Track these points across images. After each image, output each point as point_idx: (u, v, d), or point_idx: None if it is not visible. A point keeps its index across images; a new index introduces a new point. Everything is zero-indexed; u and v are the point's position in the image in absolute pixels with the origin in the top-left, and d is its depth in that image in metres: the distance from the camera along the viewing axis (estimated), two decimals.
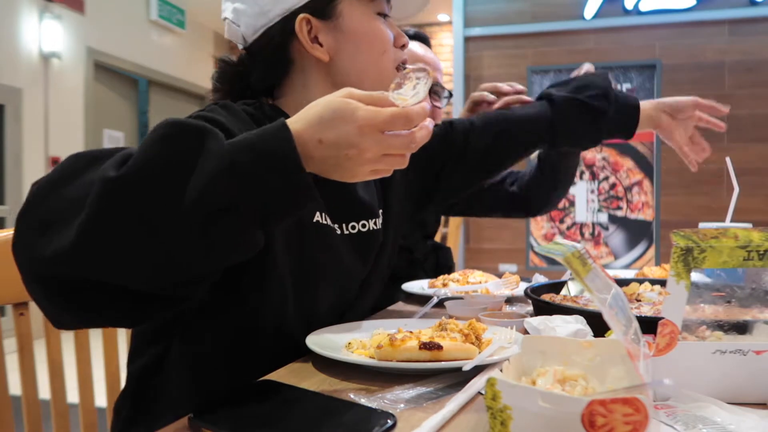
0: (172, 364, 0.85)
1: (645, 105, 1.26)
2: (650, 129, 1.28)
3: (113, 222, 0.57)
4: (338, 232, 0.94)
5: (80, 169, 0.61)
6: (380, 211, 1.04)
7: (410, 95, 0.64)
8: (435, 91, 1.52)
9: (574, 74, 1.32)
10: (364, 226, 0.98)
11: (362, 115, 0.61)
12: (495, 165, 1.22)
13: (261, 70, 0.94)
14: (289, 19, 0.89)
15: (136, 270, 0.59)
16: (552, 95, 1.22)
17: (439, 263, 1.64)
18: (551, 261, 3.97)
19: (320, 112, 0.63)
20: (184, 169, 0.58)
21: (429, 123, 0.65)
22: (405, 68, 0.77)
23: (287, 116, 0.69)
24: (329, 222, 0.92)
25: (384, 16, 0.93)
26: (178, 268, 0.60)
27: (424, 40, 1.60)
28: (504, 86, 1.38)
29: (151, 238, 0.57)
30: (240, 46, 0.97)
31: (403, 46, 0.94)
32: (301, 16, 0.88)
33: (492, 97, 1.39)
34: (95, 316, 0.65)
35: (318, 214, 0.90)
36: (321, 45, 0.90)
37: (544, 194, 1.55)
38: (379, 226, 1.02)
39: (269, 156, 0.60)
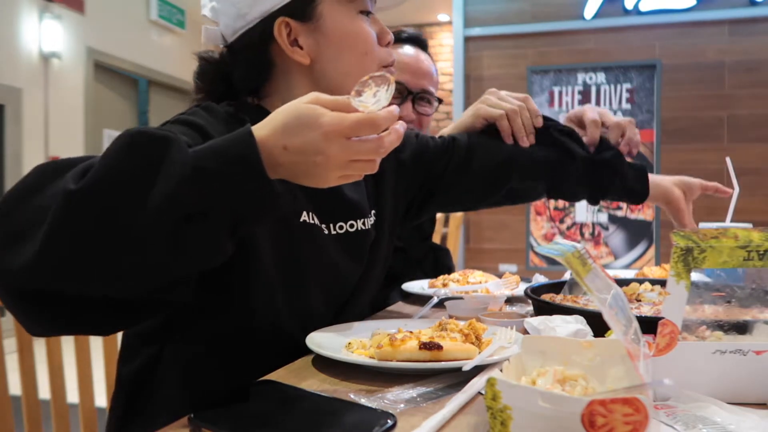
0: (166, 365, 0.85)
1: (660, 178, 1.28)
2: (661, 202, 1.29)
3: (75, 234, 0.57)
4: (326, 232, 0.94)
5: (44, 181, 0.61)
6: (372, 211, 1.04)
7: (371, 102, 0.63)
8: (424, 97, 1.49)
9: (570, 115, 1.29)
10: (352, 226, 0.97)
11: (327, 121, 0.61)
12: (491, 192, 1.20)
13: (243, 70, 0.93)
14: (267, 22, 0.87)
15: (103, 279, 0.60)
16: (573, 152, 1.19)
17: (438, 264, 1.64)
18: (551, 261, 3.97)
19: (285, 118, 0.63)
20: (146, 178, 0.58)
21: (400, 126, 0.64)
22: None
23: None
24: (317, 222, 0.92)
25: (367, 13, 0.91)
26: (145, 276, 0.61)
27: (421, 43, 1.56)
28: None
29: (114, 247, 0.58)
30: (220, 45, 0.95)
31: (389, 44, 0.92)
32: (280, 19, 0.87)
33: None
34: (70, 326, 0.66)
35: (305, 213, 0.90)
36: (301, 48, 0.88)
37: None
38: (368, 226, 1.01)
39: (232, 162, 0.60)
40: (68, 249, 0.57)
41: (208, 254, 0.63)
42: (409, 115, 1.45)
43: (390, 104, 1.52)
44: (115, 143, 0.60)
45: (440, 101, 1.55)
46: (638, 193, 1.23)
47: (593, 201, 1.27)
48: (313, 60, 0.89)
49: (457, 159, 1.15)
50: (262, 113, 0.88)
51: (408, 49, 1.51)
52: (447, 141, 1.18)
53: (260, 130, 0.63)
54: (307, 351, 0.79)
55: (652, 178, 1.26)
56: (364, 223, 1.00)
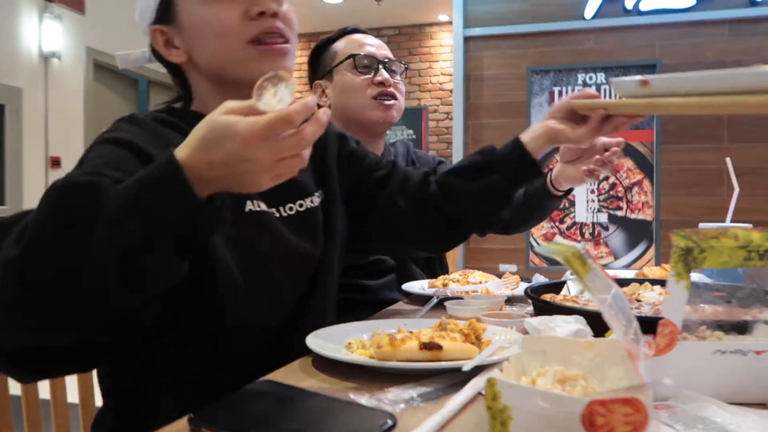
0: (154, 375, 0.85)
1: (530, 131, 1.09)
2: (547, 142, 1.06)
3: (31, 298, 0.59)
4: (277, 215, 0.95)
5: None
6: (319, 191, 1.04)
7: (275, 102, 0.63)
8: (388, 67, 1.57)
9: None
10: (301, 205, 0.99)
11: (242, 128, 0.61)
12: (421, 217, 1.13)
13: (171, 77, 0.99)
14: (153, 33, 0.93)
15: (74, 332, 0.63)
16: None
17: (430, 255, 1.65)
18: (551, 261, 3.98)
19: (203, 134, 0.63)
20: (84, 228, 0.60)
21: (322, 114, 0.64)
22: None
23: (199, 115, 0.73)
24: (264, 207, 0.93)
25: None
26: (112, 317, 0.64)
27: (361, 30, 1.67)
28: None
29: (73, 301, 0.60)
30: (140, 64, 1.01)
31: (262, 14, 0.88)
32: (154, 27, 0.92)
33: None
34: (50, 373, 0.70)
35: (249, 202, 0.90)
36: (178, 48, 0.92)
37: (516, 221, 1.57)
38: (317, 203, 1.02)
39: (161, 192, 0.62)
40: (29, 313, 0.60)
41: (165, 280, 0.65)
42: (388, 80, 1.55)
43: (360, 76, 1.48)
44: (45, 199, 0.62)
45: (407, 67, 1.68)
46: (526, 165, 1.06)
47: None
48: (189, 56, 0.91)
49: (386, 174, 1.13)
50: (188, 115, 0.91)
51: (359, 34, 1.64)
52: (387, 160, 1.17)
53: (182, 151, 0.64)
54: (290, 342, 0.80)
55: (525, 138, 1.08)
56: (312, 201, 1.01)
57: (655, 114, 0.98)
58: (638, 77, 0.90)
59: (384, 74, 1.56)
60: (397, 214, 1.10)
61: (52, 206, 0.61)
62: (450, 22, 6.24)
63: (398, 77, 1.61)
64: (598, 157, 1.33)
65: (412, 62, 6.93)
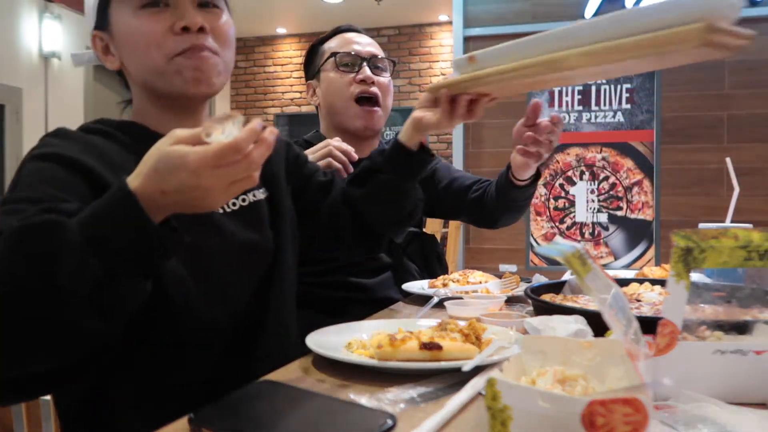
0: (118, 388, 0.85)
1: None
2: (415, 131, 1.09)
3: (7, 340, 0.63)
4: (221, 211, 0.95)
5: None
6: (263, 188, 1.05)
7: (223, 138, 0.64)
8: (373, 64, 1.55)
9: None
10: (244, 200, 0.99)
11: (192, 159, 0.62)
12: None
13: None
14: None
15: (54, 361, 0.68)
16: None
17: (425, 249, 1.64)
18: (551, 261, 3.98)
19: (154, 163, 0.65)
20: (47, 269, 0.61)
21: (269, 135, 0.65)
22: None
23: (129, 123, 0.80)
24: None
25: (157, 4, 0.88)
26: (88, 342, 0.68)
27: (353, 29, 1.65)
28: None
29: (48, 337, 0.63)
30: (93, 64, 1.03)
31: (185, 29, 0.88)
32: (93, 33, 0.94)
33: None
34: (27, 397, 0.77)
35: None
36: (114, 55, 0.94)
37: (497, 213, 1.59)
38: (261, 196, 1.03)
39: (117, 222, 0.64)
40: (7, 353, 0.64)
41: (133, 303, 0.69)
42: (369, 77, 1.52)
43: (342, 75, 1.45)
44: (5, 244, 0.63)
45: (394, 63, 1.64)
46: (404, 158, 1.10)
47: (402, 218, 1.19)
48: (121, 63, 0.94)
49: (327, 182, 1.17)
50: (125, 125, 0.93)
51: (348, 33, 1.62)
52: (327, 174, 1.20)
53: (135, 180, 0.65)
54: (253, 341, 0.79)
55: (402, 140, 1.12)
56: (254, 195, 1.02)
57: (480, 90, 0.91)
58: (468, 54, 0.93)
59: (366, 72, 1.53)
60: (337, 220, 1.15)
61: (13, 252, 0.63)
62: (450, 22, 6.24)
63: (386, 75, 1.58)
64: (528, 134, 1.32)
65: (412, 62, 6.93)
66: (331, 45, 1.60)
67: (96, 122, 0.95)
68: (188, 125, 0.74)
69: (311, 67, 1.65)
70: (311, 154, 1.31)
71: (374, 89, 1.53)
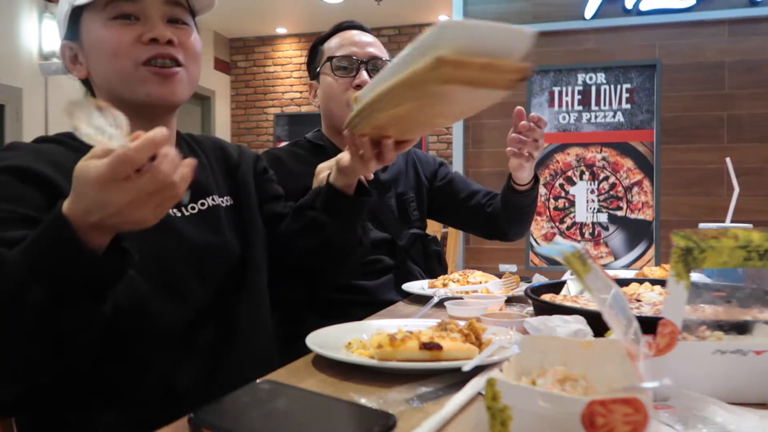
0: (88, 397, 0.85)
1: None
2: (336, 172, 1.11)
3: None
4: (179, 215, 0.96)
5: None
6: (227, 197, 1.06)
7: (104, 134, 0.60)
8: (375, 65, 1.51)
9: None
10: (203, 204, 1.00)
11: (93, 174, 0.60)
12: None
13: None
14: None
15: (26, 382, 0.72)
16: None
17: (427, 251, 1.64)
18: (551, 261, 3.98)
19: (74, 182, 0.63)
20: None
21: (166, 152, 0.62)
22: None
23: None
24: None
25: (128, 17, 0.91)
26: (54, 364, 0.70)
27: (358, 27, 1.61)
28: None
29: (10, 365, 0.67)
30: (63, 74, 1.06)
31: (153, 40, 0.91)
32: (62, 43, 0.98)
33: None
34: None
35: None
36: (82, 64, 0.97)
37: (506, 225, 1.63)
38: (221, 201, 1.04)
39: (54, 248, 0.64)
40: None
41: (91, 329, 0.70)
42: (365, 82, 1.47)
43: (338, 79, 1.43)
44: None
45: None
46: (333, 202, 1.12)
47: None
48: (88, 72, 0.96)
49: (280, 213, 1.18)
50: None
51: (349, 32, 1.57)
52: (286, 207, 1.21)
53: (65, 204, 0.65)
54: (227, 343, 0.79)
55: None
56: (213, 199, 1.02)
57: (362, 130, 0.96)
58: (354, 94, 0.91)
59: (363, 76, 1.48)
60: (281, 255, 1.15)
61: None
62: None
63: None
64: (512, 135, 1.41)
65: None
66: (331, 45, 1.56)
67: (52, 135, 0.96)
68: None
69: (312, 67, 1.62)
70: (324, 170, 1.24)
71: None
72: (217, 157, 1.11)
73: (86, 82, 1.00)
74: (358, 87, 1.47)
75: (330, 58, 1.52)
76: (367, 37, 1.57)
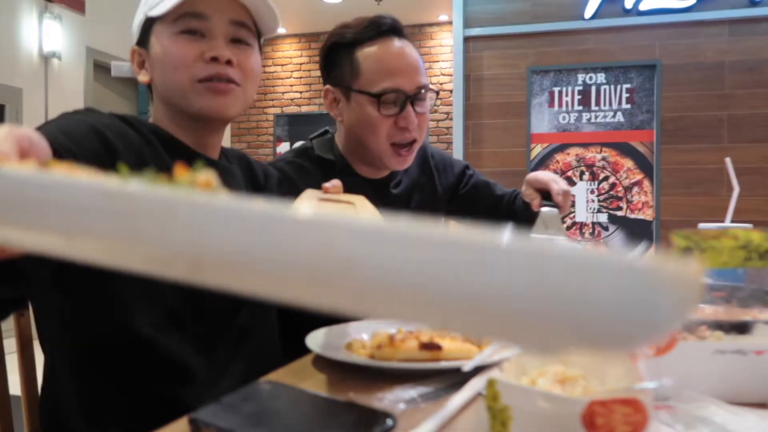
0: (98, 416, 0.86)
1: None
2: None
3: None
4: None
5: None
6: None
7: None
8: (421, 96, 1.29)
9: (531, 180, 1.48)
10: None
11: None
12: None
13: None
14: None
15: None
16: None
17: None
18: None
19: None
20: None
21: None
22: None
23: (152, 126, 0.94)
24: None
25: (194, 33, 0.95)
26: None
27: (398, 31, 1.40)
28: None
29: None
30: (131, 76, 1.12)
31: (214, 58, 0.94)
32: (133, 48, 1.02)
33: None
34: None
35: None
36: (146, 70, 1.01)
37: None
38: None
39: None
40: None
41: None
42: (412, 122, 1.28)
43: (381, 112, 1.31)
44: None
45: (437, 93, 1.37)
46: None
47: None
48: (151, 79, 1.01)
49: None
50: (144, 123, 0.99)
51: (392, 47, 1.32)
52: None
53: None
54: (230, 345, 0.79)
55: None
56: None
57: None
58: None
59: (409, 116, 1.27)
60: None
61: None
62: (450, 22, 6.24)
63: (425, 105, 1.31)
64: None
65: None
66: (368, 55, 1.29)
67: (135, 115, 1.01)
68: (199, 143, 0.97)
69: (335, 70, 1.33)
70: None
71: (414, 135, 1.29)
72: (245, 174, 1.13)
73: (149, 87, 1.04)
74: (402, 129, 1.27)
75: (377, 96, 1.26)
76: (412, 56, 1.33)
